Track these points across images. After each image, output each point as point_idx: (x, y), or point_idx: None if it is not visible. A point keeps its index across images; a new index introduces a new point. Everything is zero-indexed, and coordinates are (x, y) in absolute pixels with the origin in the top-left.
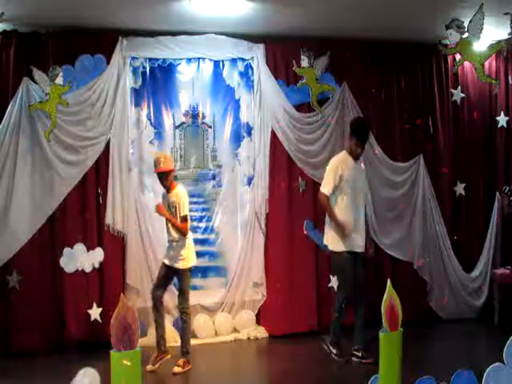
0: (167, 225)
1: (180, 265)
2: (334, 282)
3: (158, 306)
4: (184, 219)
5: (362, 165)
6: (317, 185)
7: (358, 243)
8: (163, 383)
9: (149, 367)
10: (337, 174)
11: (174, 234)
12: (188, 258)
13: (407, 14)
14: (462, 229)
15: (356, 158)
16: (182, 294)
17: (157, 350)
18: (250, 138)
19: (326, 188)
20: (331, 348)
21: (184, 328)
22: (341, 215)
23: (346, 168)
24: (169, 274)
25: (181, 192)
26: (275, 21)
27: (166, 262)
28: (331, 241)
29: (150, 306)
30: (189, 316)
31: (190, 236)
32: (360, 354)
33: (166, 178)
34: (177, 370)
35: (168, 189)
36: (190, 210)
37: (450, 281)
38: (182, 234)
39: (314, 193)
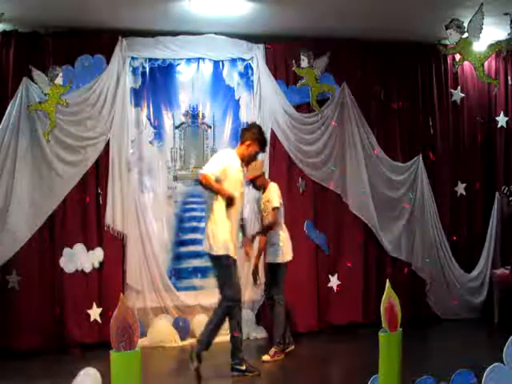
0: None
1: (276, 259)
2: (333, 283)
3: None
4: (274, 210)
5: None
6: (317, 185)
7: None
8: (163, 383)
9: (265, 357)
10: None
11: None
12: (284, 253)
13: (407, 15)
14: (461, 229)
15: (247, 164)
16: (277, 286)
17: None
18: None
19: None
20: (242, 367)
21: (277, 318)
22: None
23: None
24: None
25: (272, 187)
26: (275, 21)
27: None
28: (222, 244)
29: (149, 307)
30: (282, 306)
31: (285, 231)
32: (244, 368)
33: (254, 183)
34: (266, 358)
35: (263, 190)
36: (190, 210)
37: (449, 281)
38: (273, 224)
39: (314, 193)
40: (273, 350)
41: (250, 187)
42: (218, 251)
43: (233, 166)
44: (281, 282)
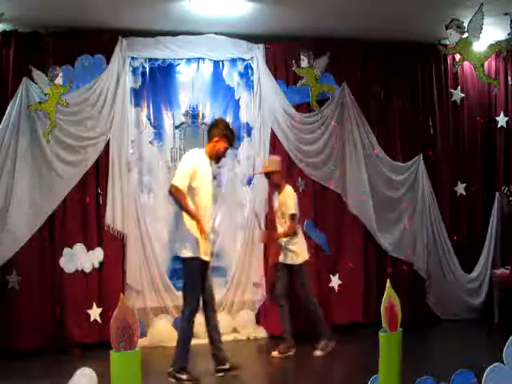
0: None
1: (294, 260)
2: (334, 282)
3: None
4: (291, 217)
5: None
6: (317, 184)
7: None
8: (163, 383)
9: (275, 353)
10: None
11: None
12: (298, 254)
13: (407, 15)
14: (461, 229)
15: (217, 161)
16: (303, 287)
17: (288, 341)
18: (250, 138)
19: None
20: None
21: (314, 315)
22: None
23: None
24: (285, 272)
25: (288, 192)
26: (275, 21)
27: (281, 260)
28: (190, 246)
29: (149, 307)
30: (315, 304)
31: (300, 233)
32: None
33: (270, 179)
34: (317, 353)
35: (278, 190)
36: None
37: (449, 281)
38: (291, 233)
39: (315, 193)
40: (322, 343)
41: (249, 185)
42: (186, 253)
43: (201, 165)
44: (305, 283)
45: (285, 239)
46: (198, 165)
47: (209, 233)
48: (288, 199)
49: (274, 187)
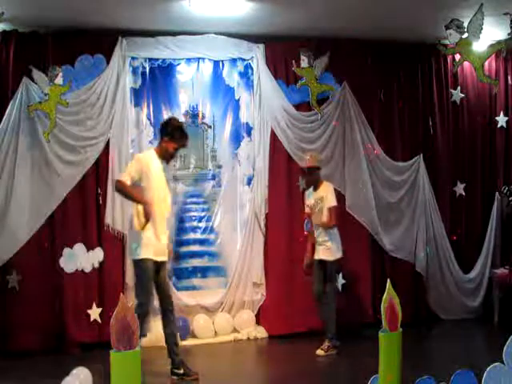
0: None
1: (327, 256)
2: (338, 282)
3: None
4: (333, 210)
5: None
6: None
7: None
8: (163, 383)
9: (320, 352)
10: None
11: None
12: (334, 250)
13: (407, 14)
14: (461, 229)
15: (168, 161)
16: (329, 284)
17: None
18: (250, 138)
19: (121, 176)
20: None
21: (327, 313)
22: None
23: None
24: (320, 268)
25: (327, 186)
26: (275, 21)
27: (316, 256)
28: (141, 248)
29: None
30: (333, 304)
31: (336, 229)
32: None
33: (311, 174)
34: (320, 352)
35: (315, 187)
36: (190, 210)
37: (449, 281)
38: (331, 225)
39: None
40: (326, 344)
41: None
42: (138, 255)
43: (152, 166)
44: (333, 279)
45: (320, 236)
46: (146, 165)
47: (167, 232)
48: (329, 193)
49: (312, 183)
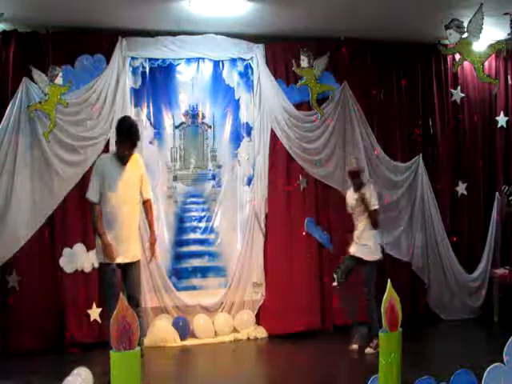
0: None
1: (367, 256)
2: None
3: None
4: (376, 212)
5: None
6: (319, 183)
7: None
8: (163, 383)
9: (369, 350)
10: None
11: (361, 228)
12: (374, 251)
13: (407, 15)
14: (462, 229)
15: (125, 162)
16: (366, 284)
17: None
18: (250, 138)
19: (90, 194)
20: None
21: (370, 312)
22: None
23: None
24: (352, 260)
25: (371, 189)
26: (275, 21)
27: (352, 252)
28: (100, 252)
29: (149, 307)
30: (373, 304)
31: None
32: None
33: (356, 177)
34: (369, 351)
35: (357, 187)
36: (190, 210)
37: (449, 281)
38: (376, 227)
39: (316, 191)
40: (374, 342)
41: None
42: (99, 260)
43: (107, 170)
44: (372, 279)
45: (361, 236)
46: (101, 172)
47: (135, 233)
48: (372, 195)
49: (356, 185)
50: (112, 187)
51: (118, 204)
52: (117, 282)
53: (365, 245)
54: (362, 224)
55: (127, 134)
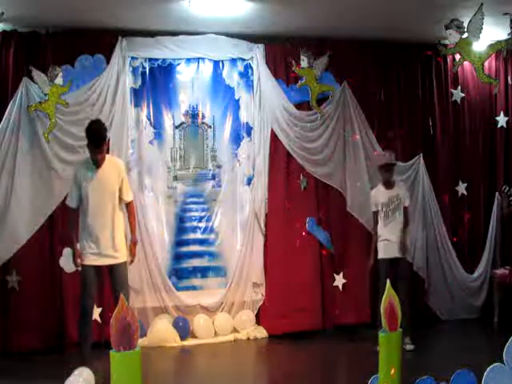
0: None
1: (403, 253)
2: (338, 281)
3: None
4: (408, 209)
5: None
6: (320, 182)
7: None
8: (163, 383)
9: (410, 347)
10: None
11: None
12: (408, 249)
13: (407, 14)
14: (462, 229)
15: (98, 166)
16: (400, 282)
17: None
18: (250, 138)
19: (70, 201)
20: None
21: (404, 310)
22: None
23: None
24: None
25: (403, 186)
26: (275, 21)
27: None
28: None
29: (149, 307)
30: (407, 299)
31: None
32: None
33: (389, 172)
34: (410, 347)
35: (389, 184)
36: (190, 210)
37: (450, 281)
38: (408, 223)
39: (317, 190)
40: (408, 339)
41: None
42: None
43: (81, 175)
44: (407, 276)
45: (393, 234)
46: (75, 178)
47: (107, 237)
48: (403, 192)
49: (390, 180)
50: (87, 190)
51: (94, 208)
52: (91, 282)
53: (401, 243)
54: (394, 222)
55: (88, 136)
